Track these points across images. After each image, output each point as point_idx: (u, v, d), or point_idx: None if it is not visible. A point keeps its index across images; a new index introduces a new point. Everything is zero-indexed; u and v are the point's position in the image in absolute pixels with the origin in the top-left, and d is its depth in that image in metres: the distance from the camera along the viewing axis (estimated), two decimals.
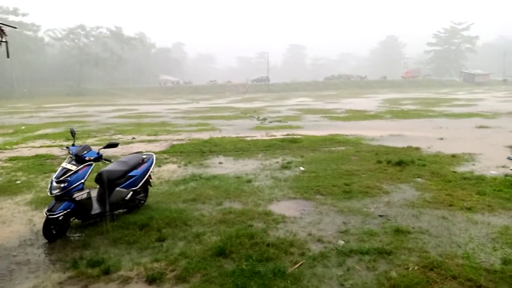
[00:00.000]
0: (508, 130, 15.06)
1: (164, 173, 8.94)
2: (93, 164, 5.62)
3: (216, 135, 15.37)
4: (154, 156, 6.81)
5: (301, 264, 4.29)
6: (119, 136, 15.99)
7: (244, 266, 4.21)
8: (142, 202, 6.45)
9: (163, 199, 6.84)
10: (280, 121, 20.92)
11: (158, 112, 29.86)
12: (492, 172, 8.29)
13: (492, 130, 15.36)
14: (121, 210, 6.15)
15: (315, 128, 17.19)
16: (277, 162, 9.79)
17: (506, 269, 4.09)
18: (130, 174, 6.09)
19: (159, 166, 9.57)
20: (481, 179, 7.65)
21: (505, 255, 4.40)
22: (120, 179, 5.95)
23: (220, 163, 9.96)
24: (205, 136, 15.02)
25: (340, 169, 8.76)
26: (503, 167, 8.77)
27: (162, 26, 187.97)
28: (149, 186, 6.67)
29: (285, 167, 9.23)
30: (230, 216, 5.87)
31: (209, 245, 4.81)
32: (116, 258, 4.60)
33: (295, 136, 14.11)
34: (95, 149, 5.85)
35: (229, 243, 4.79)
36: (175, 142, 13.57)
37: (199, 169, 9.22)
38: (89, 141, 14.25)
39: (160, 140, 14.31)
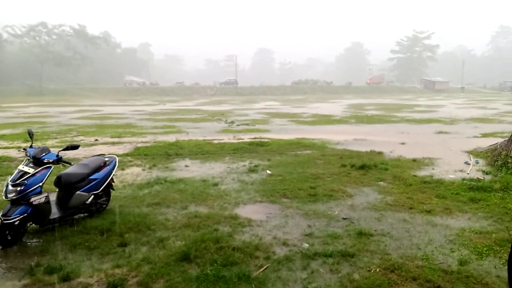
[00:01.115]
0: (465, 136, 15.76)
1: (128, 176, 8.73)
2: (52, 167, 5.40)
3: (182, 137, 15.19)
4: (117, 158, 6.63)
5: (266, 268, 4.29)
6: (81, 138, 15.49)
7: (209, 271, 4.16)
8: (104, 206, 6.26)
9: (126, 203, 6.67)
10: (248, 124, 20.96)
11: (123, 114, 29.20)
12: (451, 176, 8.63)
13: (450, 135, 16.04)
14: (82, 215, 5.94)
15: (282, 132, 17.33)
16: (244, 166, 9.78)
17: (462, 269, 4.26)
18: (92, 177, 5.90)
19: (123, 169, 9.34)
20: (440, 182, 7.94)
21: (461, 256, 4.57)
22: (81, 182, 5.75)
23: (186, 166, 9.84)
24: (171, 138, 14.81)
25: (306, 173, 8.86)
26: (460, 171, 9.15)
27: (128, 26, 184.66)
28: (111, 190, 6.49)
29: (252, 170, 9.23)
30: (196, 220, 5.79)
31: (173, 250, 4.72)
32: (76, 265, 4.42)
33: (262, 140, 14.17)
34: (54, 151, 5.63)
35: (193, 247, 4.72)
36: (139, 145, 13.29)
37: (164, 172, 9.06)
38: (49, 142, 13.71)
39: (124, 143, 13.98)
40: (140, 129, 18.85)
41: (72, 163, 5.94)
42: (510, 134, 10.73)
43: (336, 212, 6.22)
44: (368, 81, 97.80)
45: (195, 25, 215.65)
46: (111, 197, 6.49)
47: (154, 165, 9.82)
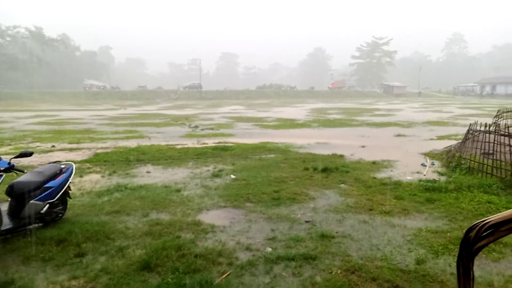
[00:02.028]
0: (422, 139, 16.40)
1: (86, 183, 8.43)
2: (4, 175, 5.13)
3: (144, 143, 14.88)
4: (74, 165, 6.39)
5: (228, 274, 4.26)
6: (37, 144, 14.83)
7: (170, 280, 4.08)
8: (60, 215, 6.01)
9: (84, 212, 6.43)
10: (212, 128, 20.85)
11: (82, 119, 28.25)
12: (408, 177, 8.94)
13: (408, 138, 16.64)
14: (36, 225, 5.67)
15: (247, 136, 17.36)
16: (208, 171, 9.70)
17: (419, 268, 4.40)
18: (47, 185, 5.65)
19: (81, 176, 9.02)
20: (398, 184, 8.20)
21: (418, 256, 4.73)
22: (35, 191, 5.49)
23: (148, 172, 9.63)
24: (132, 144, 14.47)
25: (269, 177, 8.90)
26: (417, 173, 9.50)
27: (88, 29, 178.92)
28: (68, 198, 6.24)
29: (216, 175, 9.17)
30: (157, 227, 5.67)
31: (133, 259, 4.60)
32: (29, 278, 4.21)
33: (227, 144, 14.12)
34: (6, 158, 5.35)
35: (154, 256, 4.61)
36: (99, 151, 12.88)
37: (124, 179, 8.82)
38: (1, 149, 13.03)
39: (82, 149, 13.51)
40: (100, 134, 18.30)
41: (25, 171, 5.68)
42: (463, 136, 11.27)
43: (299, 215, 6.28)
44: (330, 86, 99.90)
45: (157, 28, 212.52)
46: (68, 206, 6.24)
47: (114, 172, 9.55)
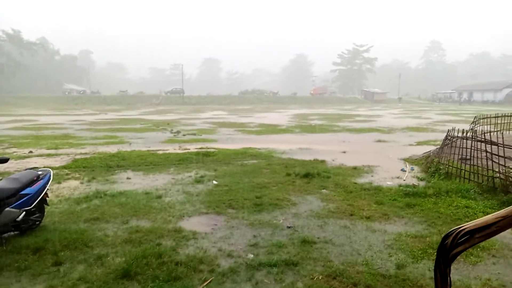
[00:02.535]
0: (402, 144, 16.67)
1: (64, 190, 8.25)
2: None
3: (125, 148, 14.68)
4: (52, 172, 6.25)
5: (210, 282, 4.22)
6: (14, 149, 14.46)
7: None
8: (37, 223, 5.86)
9: (62, 219, 6.29)
10: (194, 134, 20.73)
11: (61, 124, 27.71)
12: (388, 183, 9.06)
13: (388, 144, 16.89)
14: (12, 233, 5.51)
15: (229, 142, 17.33)
16: (190, 176, 9.62)
17: (400, 273, 4.45)
18: (23, 192, 5.50)
19: (59, 182, 8.83)
20: (378, 189, 8.30)
21: (398, 260, 4.78)
22: (11, 198, 5.33)
23: (128, 178, 9.49)
24: (112, 149, 14.26)
25: (252, 182, 8.89)
26: (397, 178, 9.64)
27: (68, 33, 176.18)
28: (45, 205, 6.09)
29: (198, 181, 9.10)
30: (137, 235, 5.58)
31: (112, 267, 4.51)
32: None
33: (209, 150, 14.06)
34: None
35: (134, 264, 4.54)
36: (78, 156, 12.65)
37: (104, 185, 8.67)
38: None
39: (61, 154, 13.23)
40: (79, 139, 17.98)
41: (0, 178, 5.52)
42: (442, 142, 11.50)
43: (281, 221, 6.28)
44: (312, 92, 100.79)
45: (138, 33, 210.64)
46: (45, 213, 6.10)
47: (94, 178, 9.38)
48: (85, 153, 13.39)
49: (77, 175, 9.75)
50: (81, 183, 8.97)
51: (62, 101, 73.67)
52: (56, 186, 8.44)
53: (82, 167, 10.80)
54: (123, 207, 6.95)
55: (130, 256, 4.77)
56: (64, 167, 10.81)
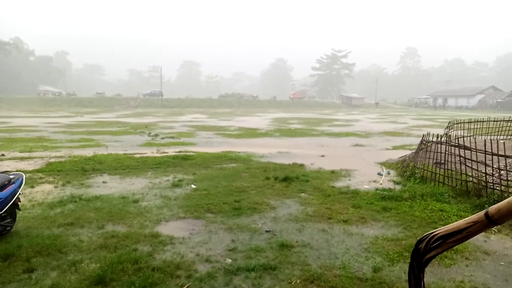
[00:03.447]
0: (378, 148, 16.94)
1: (38, 194, 8.03)
2: None
3: (101, 151, 14.40)
4: (24, 175, 6.07)
5: (187, 287, 4.16)
6: None
7: None
8: (9, 228, 5.67)
9: (34, 224, 6.11)
10: (172, 137, 20.53)
11: (35, 126, 26.98)
12: (365, 186, 9.18)
13: (365, 148, 17.14)
14: None
15: (208, 145, 17.23)
16: (168, 180, 9.52)
17: (376, 276, 4.50)
18: None
19: (32, 186, 8.59)
20: (356, 193, 8.40)
21: (375, 264, 4.84)
22: None
23: (104, 182, 9.31)
24: (88, 152, 13.97)
25: (231, 186, 8.86)
26: (374, 181, 9.78)
27: (43, 33, 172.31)
28: (17, 210, 5.91)
29: (176, 185, 9.01)
30: (113, 240, 5.47)
31: (86, 274, 4.40)
32: None
33: (187, 153, 13.95)
34: None
35: (109, 270, 4.44)
36: (52, 160, 12.33)
37: (79, 190, 8.48)
38: None
39: (35, 157, 12.87)
40: (54, 142, 17.54)
41: None
42: (417, 146, 11.75)
43: (260, 225, 6.27)
44: (291, 96, 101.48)
45: (116, 34, 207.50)
46: (17, 218, 5.92)
47: (68, 182, 9.15)
48: (60, 157, 13.07)
49: (51, 179, 9.50)
50: (55, 187, 8.74)
51: (36, 103, 71.80)
52: (29, 191, 8.21)
53: (56, 170, 10.54)
54: (99, 211, 6.80)
55: (105, 262, 4.66)
56: (37, 170, 10.52)
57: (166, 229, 6.06)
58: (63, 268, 4.59)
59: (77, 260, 4.78)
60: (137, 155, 13.53)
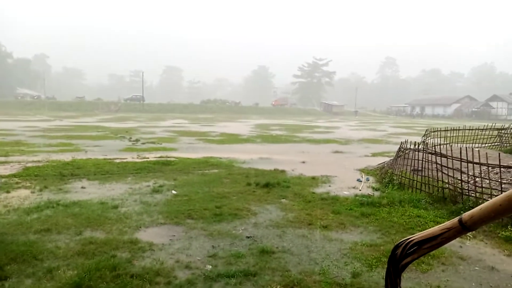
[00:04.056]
0: (358, 155, 17.17)
1: (14, 200, 7.81)
2: None
3: (80, 156, 14.14)
4: (0, 180, 5.91)
5: None
6: None
7: None
8: None
9: (9, 231, 5.94)
10: (154, 142, 20.33)
11: (12, 130, 26.31)
12: (345, 192, 9.29)
13: (345, 155, 17.34)
14: None
15: (190, 151, 17.13)
16: (148, 186, 9.41)
17: (355, 282, 4.56)
18: None
19: (8, 192, 8.36)
20: (336, 199, 8.49)
21: (354, 269, 4.90)
22: None
23: (83, 187, 9.14)
24: (67, 157, 13.69)
25: (212, 192, 8.82)
26: (353, 188, 9.90)
27: (22, 36, 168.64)
28: None
29: (156, 191, 8.91)
30: (91, 246, 5.37)
31: (63, 281, 4.30)
32: None
33: (168, 159, 13.83)
34: None
35: (87, 277, 4.35)
36: (30, 164, 12.04)
37: (57, 195, 8.29)
38: None
39: (11, 162, 12.54)
40: (31, 147, 17.14)
41: None
42: (395, 154, 11.96)
43: (241, 231, 6.26)
44: (273, 103, 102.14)
45: (97, 37, 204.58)
46: None
47: (46, 187, 8.95)
48: (38, 161, 12.77)
49: (28, 184, 9.27)
50: (32, 192, 8.53)
51: (14, 106, 70.06)
52: (4, 196, 7.99)
53: (33, 175, 10.29)
54: (77, 217, 6.67)
55: (83, 269, 4.57)
56: (14, 175, 10.25)
57: (146, 235, 5.99)
58: (39, 276, 4.48)
59: (54, 267, 4.68)
60: (117, 160, 13.33)
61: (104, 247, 5.35)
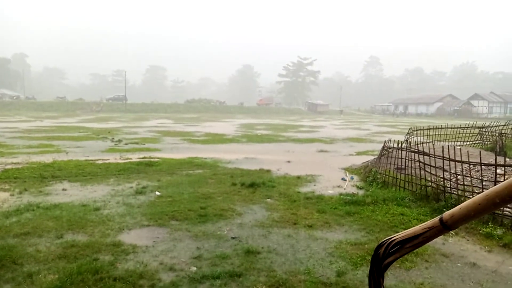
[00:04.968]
0: (342, 154, 17.30)
1: None
2: None
3: (61, 158, 13.88)
4: None
5: None
6: None
7: None
8: None
9: None
10: (137, 143, 20.10)
11: None
12: (330, 191, 9.34)
13: (330, 154, 17.46)
14: None
15: (174, 151, 17.00)
16: (131, 187, 9.29)
17: (340, 280, 4.57)
18: None
19: None
20: (320, 198, 8.53)
21: (339, 268, 4.91)
22: None
23: (64, 189, 8.97)
24: (47, 159, 13.42)
25: (196, 193, 8.76)
26: (338, 187, 9.96)
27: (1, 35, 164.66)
28: None
29: (139, 192, 8.81)
30: (72, 250, 5.26)
31: (43, 286, 4.21)
32: None
33: (152, 159, 13.69)
34: None
35: (68, 281, 4.27)
36: (9, 166, 11.76)
37: (37, 197, 8.12)
38: None
39: None
40: (11, 148, 16.75)
41: None
42: (379, 152, 12.08)
43: (226, 232, 6.23)
44: (258, 102, 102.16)
45: (78, 36, 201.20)
46: None
47: (26, 190, 8.75)
48: (17, 163, 12.49)
49: (7, 187, 9.05)
50: (12, 195, 8.34)
51: None
52: None
53: (13, 177, 10.06)
54: (58, 220, 6.54)
55: (64, 273, 4.48)
56: None
57: (129, 237, 5.90)
58: (18, 281, 4.37)
59: (34, 272, 4.57)
60: (99, 162, 13.13)
61: (86, 250, 5.25)
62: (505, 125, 18.50)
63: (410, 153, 9.75)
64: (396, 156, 10.24)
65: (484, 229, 6.32)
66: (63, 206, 7.43)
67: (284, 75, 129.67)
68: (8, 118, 43.62)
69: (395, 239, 1.25)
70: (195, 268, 4.80)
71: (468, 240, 6.10)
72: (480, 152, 7.82)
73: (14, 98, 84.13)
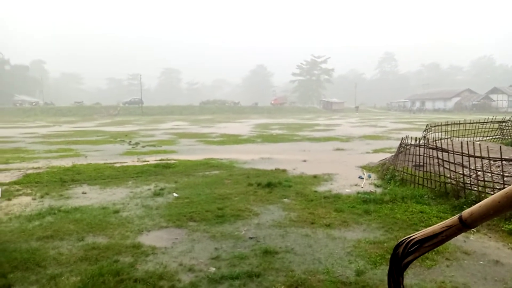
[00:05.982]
0: (359, 152, 17.15)
1: (15, 207, 7.80)
2: None
3: (80, 161, 14.13)
4: (0, 188, 5.90)
5: None
6: None
7: None
8: None
9: (12, 238, 5.94)
10: (153, 145, 20.33)
11: (12, 137, 26.32)
12: (347, 190, 9.27)
13: (346, 152, 17.32)
14: None
15: (190, 153, 17.13)
16: (149, 189, 9.40)
17: (359, 280, 4.54)
18: None
19: (9, 199, 8.34)
20: (337, 197, 8.47)
21: (358, 267, 4.88)
22: None
23: (84, 193, 9.13)
24: (67, 163, 13.68)
25: (213, 194, 8.81)
26: (355, 185, 9.89)
27: (19, 42, 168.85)
28: None
29: (157, 194, 8.91)
30: (93, 252, 5.36)
31: (67, 287, 4.30)
32: None
33: (169, 161, 13.82)
34: None
35: (90, 283, 4.35)
36: (30, 171, 12.03)
37: (58, 201, 8.29)
38: None
39: (11, 169, 12.54)
40: (32, 153, 17.14)
41: None
42: (396, 150, 11.94)
43: (243, 232, 6.25)
44: (272, 102, 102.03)
45: (94, 41, 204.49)
46: None
47: (47, 194, 8.94)
48: (38, 168, 12.77)
49: (29, 191, 9.26)
50: (33, 199, 8.53)
51: (12, 113, 70.13)
52: (5, 203, 7.97)
53: (34, 182, 10.29)
54: (78, 223, 6.67)
55: (86, 275, 4.57)
56: (14, 182, 10.25)
57: (148, 239, 5.98)
58: (42, 283, 4.48)
59: (57, 274, 4.67)
60: (118, 164, 13.33)
61: (107, 252, 5.34)
62: None
63: (428, 149, 9.61)
64: (414, 153, 10.10)
65: (506, 225, 6.19)
66: (83, 209, 7.57)
67: (298, 74, 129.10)
68: (28, 124, 44.64)
69: (414, 238, 1.25)
70: (214, 269, 4.84)
71: (490, 237, 5.98)
72: (500, 147, 7.66)
73: (34, 104, 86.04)
